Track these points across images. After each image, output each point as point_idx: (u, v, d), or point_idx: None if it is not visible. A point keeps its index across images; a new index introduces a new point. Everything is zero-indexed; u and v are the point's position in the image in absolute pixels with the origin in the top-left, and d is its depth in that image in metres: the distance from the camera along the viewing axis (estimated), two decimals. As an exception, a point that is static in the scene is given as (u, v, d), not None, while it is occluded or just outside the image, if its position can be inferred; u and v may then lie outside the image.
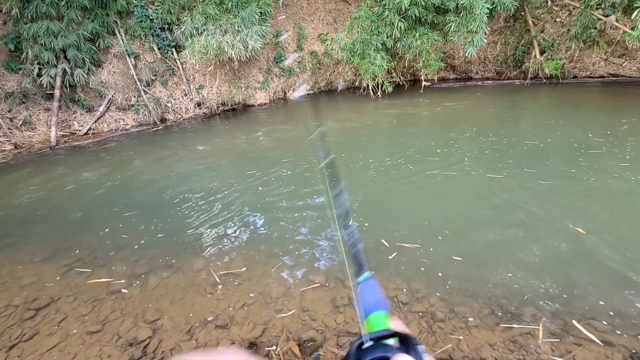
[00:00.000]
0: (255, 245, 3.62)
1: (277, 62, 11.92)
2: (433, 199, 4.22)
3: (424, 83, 11.00)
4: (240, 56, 9.17)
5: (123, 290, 3.09)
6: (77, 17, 8.76)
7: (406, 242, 3.39)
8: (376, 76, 9.98)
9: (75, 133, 9.26)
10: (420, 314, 2.56)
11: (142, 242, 3.85)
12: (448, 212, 3.89)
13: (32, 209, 5.07)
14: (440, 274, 2.94)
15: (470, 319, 2.47)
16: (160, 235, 3.96)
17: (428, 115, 8.30)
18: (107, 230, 4.16)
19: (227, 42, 8.87)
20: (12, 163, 7.43)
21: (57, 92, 8.83)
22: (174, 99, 10.39)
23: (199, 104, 10.70)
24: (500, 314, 2.50)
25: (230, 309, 2.77)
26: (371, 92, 10.62)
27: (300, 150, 6.54)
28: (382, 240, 3.44)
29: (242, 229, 3.95)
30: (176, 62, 10.25)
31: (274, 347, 2.34)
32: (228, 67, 10.59)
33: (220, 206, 4.52)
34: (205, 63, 9.95)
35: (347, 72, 12.66)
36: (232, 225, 4.04)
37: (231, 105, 10.99)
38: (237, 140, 7.67)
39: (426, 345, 2.30)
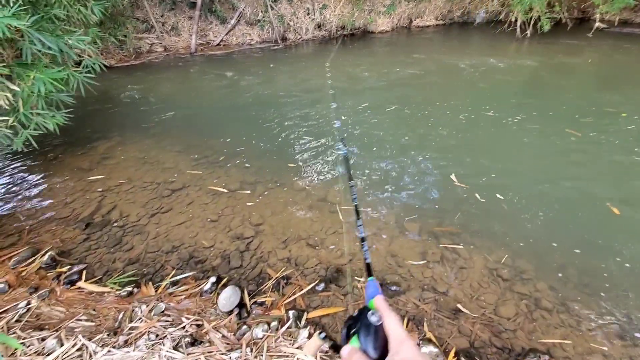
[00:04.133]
0: (354, 178, 3.62)
1: (409, -16, 10.52)
2: (561, 168, 3.49)
3: (597, 24, 8.49)
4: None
5: (235, 192, 3.52)
6: None
7: (518, 207, 2.96)
8: (531, 9, 8.05)
9: (210, 43, 10.14)
10: (521, 295, 2.29)
11: (254, 153, 4.22)
12: (580, 188, 3.19)
13: (174, 104, 5.92)
14: (554, 260, 2.53)
15: (584, 321, 2.12)
16: (269, 152, 4.26)
17: (588, 68, 6.54)
18: (228, 139, 4.63)
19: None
20: (162, 64, 8.67)
21: (198, 1, 9.56)
22: (297, 18, 10.31)
23: (319, 26, 10.43)
24: (627, 326, 2.07)
25: (322, 233, 2.93)
26: (518, 29, 8.74)
27: (413, 88, 5.98)
28: (479, 194, 3.06)
29: (339, 160, 3.97)
30: (304, -23, 9.89)
31: (362, 279, 2.42)
32: (355, -14, 9.80)
33: (330, 135, 4.57)
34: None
35: (492, 0, 10.53)
36: (336, 154, 4.08)
37: (350, 30, 10.43)
38: (353, 69, 7.37)
39: (520, 329, 2.09)
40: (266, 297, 2.34)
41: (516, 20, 8.64)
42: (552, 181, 3.38)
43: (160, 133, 4.93)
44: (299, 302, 2.30)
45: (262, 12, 10.13)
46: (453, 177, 3.54)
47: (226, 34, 10.18)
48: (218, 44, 10.08)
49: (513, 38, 8.68)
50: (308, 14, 10.30)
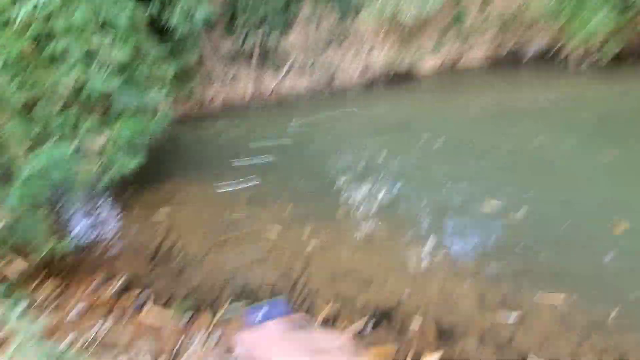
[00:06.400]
0: (401, 215, 3.59)
1: (455, 23, 10.75)
2: None
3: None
4: (417, 16, 8.70)
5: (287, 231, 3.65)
6: (277, -13, 10.05)
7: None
8: (591, 37, 7.69)
9: (262, 92, 11.06)
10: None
11: (299, 195, 4.39)
12: None
13: (227, 147, 6.42)
14: None
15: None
16: (314, 195, 4.40)
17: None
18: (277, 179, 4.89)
19: (405, 2, 8.51)
20: (221, 112, 9.62)
21: (255, 54, 10.63)
22: (344, 64, 10.92)
23: (364, 70, 10.92)
24: None
25: (372, 269, 2.89)
26: (570, 63, 8.36)
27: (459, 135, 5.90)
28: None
29: (389, 194, 3.98)
30: (351, 26, 10.61)
31: (418, 320, 2.31)
32: (400, 30, 10.26)
33: (370, 173, 4.63)
34: (378, 26, 9.92)
35: (544, 33, 10.28)
36: (380, 188, 4.12)
37: (395, 73, 10.76)
38: (397, 112, 7.52)
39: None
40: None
41: (569, 54, 8.29)
42: None
43: (218, 174, 5.30)
44: (348, 341, 2.26)
45: (311, 59, 10.93)
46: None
47: (277, 83, 11.06)
48: (270, 93, 10.95)
49: (567, 74, 8.29)
50: (354, 58, 10.88)
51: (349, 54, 10.92)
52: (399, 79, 10.52)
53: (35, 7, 3.13)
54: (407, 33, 10.47)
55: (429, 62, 10.80)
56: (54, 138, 3.04)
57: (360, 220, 3.64)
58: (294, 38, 10.85)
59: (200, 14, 6.75)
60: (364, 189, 4.23)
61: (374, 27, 10.42)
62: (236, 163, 5.59)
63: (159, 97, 4.48)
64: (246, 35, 10.48)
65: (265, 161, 5.56)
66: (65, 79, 3.23)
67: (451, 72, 10.36)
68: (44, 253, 2.68)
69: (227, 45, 10.87)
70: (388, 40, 10.59)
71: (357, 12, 10.42)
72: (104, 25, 3.98)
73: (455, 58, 10.99)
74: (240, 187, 4.74)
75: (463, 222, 3.40)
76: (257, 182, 4.77)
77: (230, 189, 4.73)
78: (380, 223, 3.51)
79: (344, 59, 10.91)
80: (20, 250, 3.23)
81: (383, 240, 3.26)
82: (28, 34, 3.13)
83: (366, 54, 10.76)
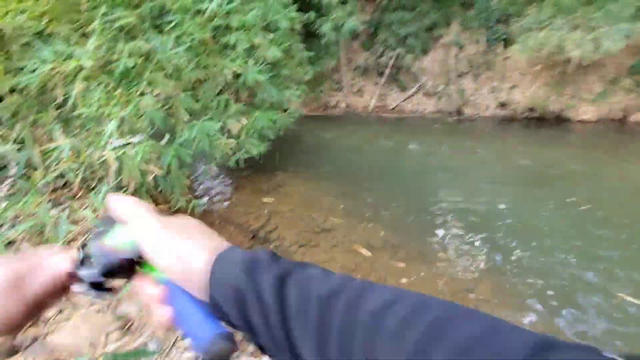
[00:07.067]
0: (504, 283, 3.07)
1: (633, 72, 8.85)
2: None
3: None
4: (583, 58, 7.46)
5: (376, 251, 3.53)
6: (426, 8, 9.93)
7: None
8: None
9: (386, 106, 11.06)
10: None
11: (399, 218, 4.17)
12: None
13: (343, 153, 6.59)
14: None
15: None
16: (414, 221, 4.14)
17: None
18: (378, 197, 4.78)
19: (573, 40, 7.37)
20: (342, 118, 9.98)
21: (387, 71, 10.72)
22: (479, 94, 10.12)
23: (502, 104, 9.89)
24: None
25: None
26: None
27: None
28: None
29: (495, 252, 3.45)
30: (497, 57, 9.75)
31: None
32: (559, 70, 8.95)
33: (478, 219, 4.11)
34: (532, 61, 8.86)
35: None
36: (485, 246, 3.60)
37: (540, 114, 9.43)
38: (534, 160, 6.55)
39: None
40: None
41: None
42: None
43: (325, 176, 5.54)
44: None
45: (442, 85, 10.45)
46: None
47: (403, 101, 10.91)
48: (393, 109, 10.88)
49: None
50: (493, 91, 9.97)
51: (486, 86, 10.06)
52: (543, 123, 9.20)
53: (220, 5, 3.74)
54: (565, 74, 9.08)
55: (587, 111, 9.16)
56: (208, 115, 3.57)
57: (457, 270, 3.26)
58: (430, 61, 10.54)
59: (348, 26, 7.11)
60: (469, 239, 3.77)
61: (524, 62, 9.36)
62: (346, 172, 5.72)
63: (293, 96, 4.87)
64: (382, 52, 10.68)
65: (372, 177, 5.53)
66: (228, 68, 3.77)
67: (616, 128, 8.56)
68: (177, 207, 3.16)
69: (362, 58, 11.26)
70: (538, 78, 9.37)
71: (508, 44, 9.52)
72: (267, 27, 4.53)
73: (626, 112, 9.05)
74: (337, 193, 4.80)
75: (579, 317, 2.71)
76: (358, 196, 4.76)
77: (330, 193, 4.83)
78: (477, 285, 3.07)
79: (480, 91, 10.11)
80: (155, 201, 3.90)
81: (478, 302, 2.83)
82: (210, 25, 3.74)
83: (507, 89, 9.74)
